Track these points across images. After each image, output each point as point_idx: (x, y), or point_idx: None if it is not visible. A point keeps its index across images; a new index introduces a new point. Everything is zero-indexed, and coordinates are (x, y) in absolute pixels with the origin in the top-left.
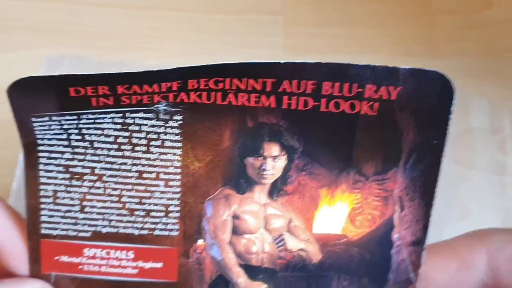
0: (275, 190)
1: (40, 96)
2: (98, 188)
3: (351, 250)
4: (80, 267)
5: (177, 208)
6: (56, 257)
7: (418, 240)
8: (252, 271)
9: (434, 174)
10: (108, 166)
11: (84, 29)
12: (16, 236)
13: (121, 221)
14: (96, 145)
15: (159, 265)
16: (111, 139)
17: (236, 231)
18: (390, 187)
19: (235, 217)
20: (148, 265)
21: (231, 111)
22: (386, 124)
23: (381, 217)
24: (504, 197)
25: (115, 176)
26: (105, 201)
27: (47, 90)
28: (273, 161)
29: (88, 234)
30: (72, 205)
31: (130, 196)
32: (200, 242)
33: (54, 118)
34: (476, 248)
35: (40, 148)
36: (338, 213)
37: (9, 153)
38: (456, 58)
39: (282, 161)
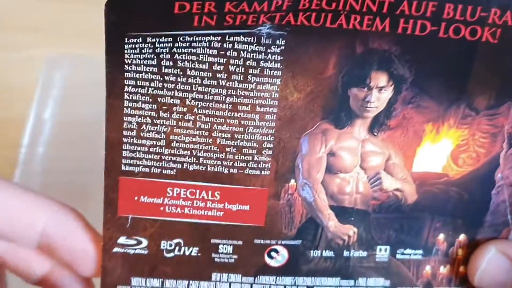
0: (377, 124)
1: (141, 12)
2: (188, 121)
3: (450, 190)
4: (162, 208)
5: (271, 145)
6: (136, 198)
7: None
8: (343, 213)
9: None
10: (200, 96)
11: (84, 29)
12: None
13: (210, 158)
14: (189, 72)
15: (246, 207)
16: (205, 66)
17: (330, 170)
18: (501, 123)
19: (331, 154)
20: (234, 207)
21: (340, 35)
22: (507, 53)
23: (486, 155)
24: None
25: (207, 107)
26: (194, 136)
27: (150, 6)
28: (379, 93)
29: (173, 172)
30: (158, 139)
31: (221, 131)
32: (292, 182)
33: (148, 39)
34: None
35: (127, 75)
36: (441, 151)
37: (9, 153)
38: None
39: (388, 93)
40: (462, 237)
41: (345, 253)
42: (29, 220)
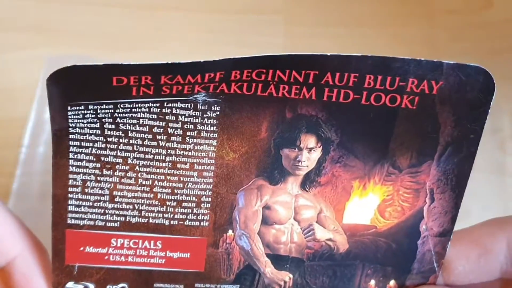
0: (308, 181)
1: (81, 85)
2: (130, 178)
3: (378, 240)
4: (106, 257)
5: (209, 199)
6: (81, 248)
7: (445, 231)
8: (279, 260)
9: (467, 167)
10: (142, 155)
11: (84, 29)
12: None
13: (151, 211)
14: (130, 134)
15: (186, 255)
16: (146, 128)
17: (266, 221)
18: (423, 180)
19: (266, 207)
20: (176, 255)
21: (271, 103)
22: (425, 118)
23: (410, 208)
24: (504, 197)
25: (148, 166)
26: (136, 191)
27: (89, 79)
28: (309, 153)
29: (116, 224)
30: (102, 195)
31: (162, 187)
32: (229, 232)
33: (90, 107)
34: (496, 236)
35: (72, 136)
36: (368, 205)
37: (9, 153)
38: (456, 58)
39: (317, 153)
40: (392, 283)
41: None
42: (6, 247)
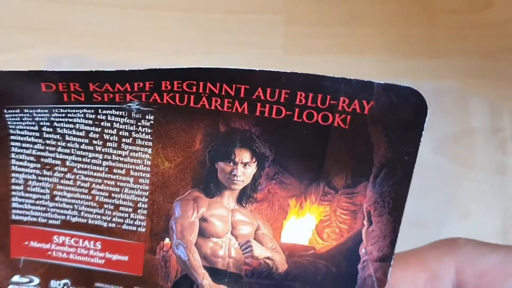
0: (245, 196)
1: (12, 89)
2: (69, 179)
3: (318, 263)
4: (49, 253)
5: (145, 206)
6: (26, 243)
7: (385, 256)
8: (217, 274)
9: (403, 190)
10: (79, 159)
11: (84, 29)
12: None
13: (90, 212)
14: (67, 138)
15: (125, 258)
16: (82, 133)
17: (203, 234)
18: (359, 201)
19: (203, 219)
20: (114, 257)
21: (204, 114)
22: (358, 138)
23: (349, 231)
24: (504, 197)
25: (85, 169)
26: (75, 192)
27: (19, 84)
28: (244, 168)
29: (57, 222)
30: (43, 194)
31: (100, 190)
32: (166, 240)
33: (26, 110)
34: (444, 260)
35: (12, 137)
36: (306, 225)
37: None
38: (456, 58)
39: (252, 168)
40: None
41: None
42: None
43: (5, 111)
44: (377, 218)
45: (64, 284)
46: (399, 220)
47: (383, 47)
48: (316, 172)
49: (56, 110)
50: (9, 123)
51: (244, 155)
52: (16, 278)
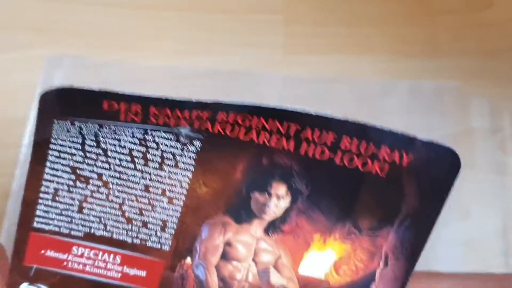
0: (272, 227)
1: (72, 104)
2: (102, 193)
3: None
4: (65, 263)
5: (174, 226)
6: (42, 251)
7: None
8: None
9: (423, 240)
10: (117, 174)
11: (84, 29)
12: None
13: (117, 227)
14: (109, 153)
15: (142, 273)
16: (126, 150)
17: (225, 257)
18: (380, 243)
19: (228, 244)
20: (132, 271)
21: (250, 148)
22: (392, 187)
23: (364, 269)
24: (504, 197)
25: (121, 185)
26: (105, 206)
27: (81, 101)
28: (277, 200)
29: (80, 234)
30: (71, 205)
31: (131, 206)
32: (188, 260)
33: (76, 123)
34: None
35: (52, 146)
36: (325, 259)
37: (9, 153)
38: (456, 58)
39: (286, 202)
40: None
41: None
42: None
43: (55, 121)
44: (394, 261)
45: None
46: (413, 266)
47: (383, 47)
48: (345, 212)
49: (106, 126)
50: (54, 133)
51: (280, 189)
52: (24, 286)
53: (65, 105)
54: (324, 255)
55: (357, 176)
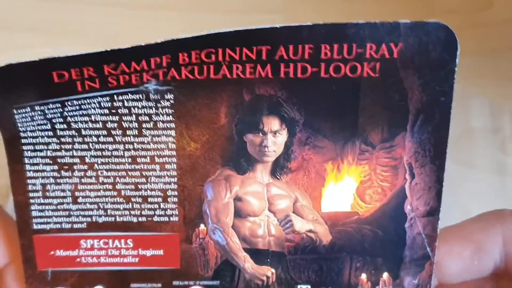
0: (278, 168)
1: (22, 85)
2: (90, 177)
3: (363, 228)
4: (78, 260)
5: (175, 193)
6: (52, 252)
7: (432, 209)
8: (258, 255)
9: (443, 135)
10: (99, 153)
11: (84, 29)
12: None
13: (117, 209)
14: (84, 132)
15: (160, 252)
16: (99, 125)
17: (240, 214)
18: (399, 154)
19: (238, 199)
20: (149, 252)
21: (226, 85)
22: (390, 85)
23: (391, 188)
24: (504, 197)
25: (107, 163)
26: (98, 190)
27: (29, 78)
28: (274, 137)
29: (83, 226)
30: (64, 197)
31: (125, 183)
32: (202, 227)
33: (37, 108)
34: (491, 231)
35: (24, 141)
36: (346, 189)
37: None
38: None
39: (283, 136)
40: (385, 276)
41: None
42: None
43: (15, 111)
44: (420, 170)
45: None
46: (442, 168)
47: None
48: (350, 130)
49: (69, 103)
50: (19, 124)
51: (273, 123)
52: None
53: (16, 88)
54: (344, 185)
55: (349, 85)
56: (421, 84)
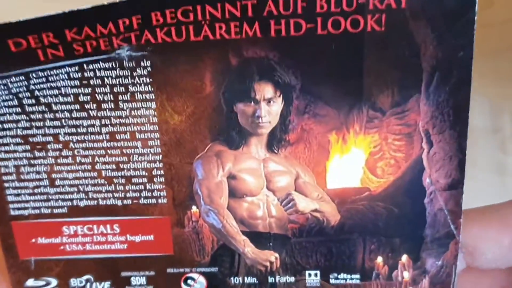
0: (275, 140)
1: None
2: (66, 157)
3: (376, 206)
4: (62, 247)
5: (161, 172)
6: (33, 240)
7: (455, 182)
8: (260, 238)
9: (464, 95)
10: (73, 130)
11: None
12: None
13: (99, 191)
14: (54, 107)
15: (150, 237)
16: (70, 98)
17: (235, 194)
18: (413, 120)
19: (231, 177)
20: (138, 238)
21: (209, 48)
22: (399, 40)
23: (406, 159)
24: (504, 197)
25: (83, 141)
26: (76, 171)
27: None
28: (268, 105)
29: (64, 210)
30: (40, 180)
31: (104, 162)
32: (194, 209)
33: None
34: None
35: None
36: (354, 162)
37: None
38: None
39: (278, 104)
40: (404, 258)
41: (270, 279)
42: None
43: None
44: (438, 137)
45: (87, 281)
46: (464, 134)
47: None
48: (355, 94)
49: (34, 75)
50: None
51: (265, 90)
52: (30, 282)
53: None
54: (351, 157)
55: (351, 42)
56: (435, 37)
